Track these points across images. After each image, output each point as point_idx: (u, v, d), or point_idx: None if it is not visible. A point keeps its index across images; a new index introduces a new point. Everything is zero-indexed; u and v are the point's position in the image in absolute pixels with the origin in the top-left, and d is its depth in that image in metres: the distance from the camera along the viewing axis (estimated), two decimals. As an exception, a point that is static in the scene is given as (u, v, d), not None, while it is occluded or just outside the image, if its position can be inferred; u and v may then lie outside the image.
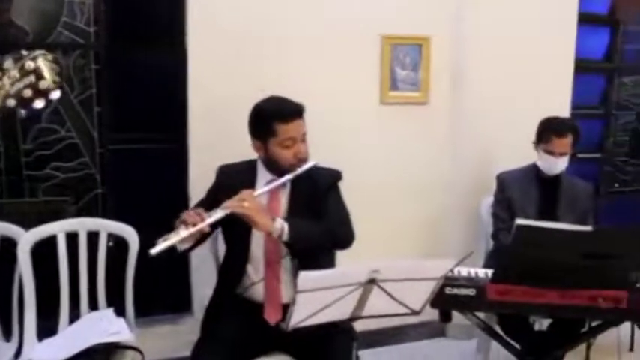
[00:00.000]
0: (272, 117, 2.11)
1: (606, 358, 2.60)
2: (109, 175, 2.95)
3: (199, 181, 2.41)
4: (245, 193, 2.01)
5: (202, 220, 1.94)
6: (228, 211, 1.97)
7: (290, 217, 2.11)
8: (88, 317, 2.42)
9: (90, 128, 2.90)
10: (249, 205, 1.97)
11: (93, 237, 2.50)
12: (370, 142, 3.28)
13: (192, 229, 1.92)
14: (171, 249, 1.94)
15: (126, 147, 2.96)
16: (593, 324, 2.54)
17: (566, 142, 2.80)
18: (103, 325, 2.29)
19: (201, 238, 2.07)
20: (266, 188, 2.10)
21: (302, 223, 2.08)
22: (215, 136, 2.88)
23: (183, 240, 1.94)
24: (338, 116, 3.12)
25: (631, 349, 3.36)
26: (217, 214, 1.97)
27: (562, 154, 2.81)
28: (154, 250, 1.88)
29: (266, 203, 2.17)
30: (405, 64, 3.27)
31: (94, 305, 2.49)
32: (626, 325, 2.54)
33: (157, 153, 3.02)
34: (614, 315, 2.29)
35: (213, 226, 2.08)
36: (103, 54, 2.88)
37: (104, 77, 2.89)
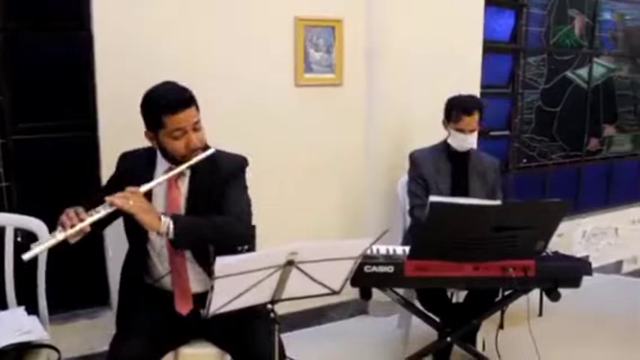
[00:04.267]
0: (158, 108, 1.99)
1: (518, 324, 2.73)
2: (13, 167, 2.78)
3: (112, 169, 2.33)
4: (130, 190, 1.91)
5: (81, 220, 1.84)
6: (110, 209, 1.88)
7: (177, 214, 2.02)
8: (-5, 318, 2.30)
9: (-11, 118, 2.74)
10: (133, 204, 1.88)
11: (-2, 233, 2.37)
12: (286, 124, 3.27)
13: (70, 232, 1.82)
14: (64, 243, 1.85)
15: (31, 137, 2.80)
16: (506, 293, 2.67)
17: (474, 119, 2.92)
18: (14, 326, 2.17)
19: (91, 232, 1.94)
20: (155, 182, 2.01)
21: (190, 220, 2.01)
22: (127, 122, 2.75)
23: (60, 242, 1.83)
24: (253, 99, 3.09)
25: (540, 314, 3.57)
26: (100, 213, 1.88)
27: (471, 131, 2.93)
28: (26, 256, 1.78)
29: (164, 193, 2.10)
30: (318, 46, 3.27)
31: (2, 305, 2.36)
32: (535, 293, 2.68)
33: (65, 142, 2.87)
34: (523, 283, 2.42)
35: (110, 218, 2.00)
36: None
37: (3, 63, 2.71)
